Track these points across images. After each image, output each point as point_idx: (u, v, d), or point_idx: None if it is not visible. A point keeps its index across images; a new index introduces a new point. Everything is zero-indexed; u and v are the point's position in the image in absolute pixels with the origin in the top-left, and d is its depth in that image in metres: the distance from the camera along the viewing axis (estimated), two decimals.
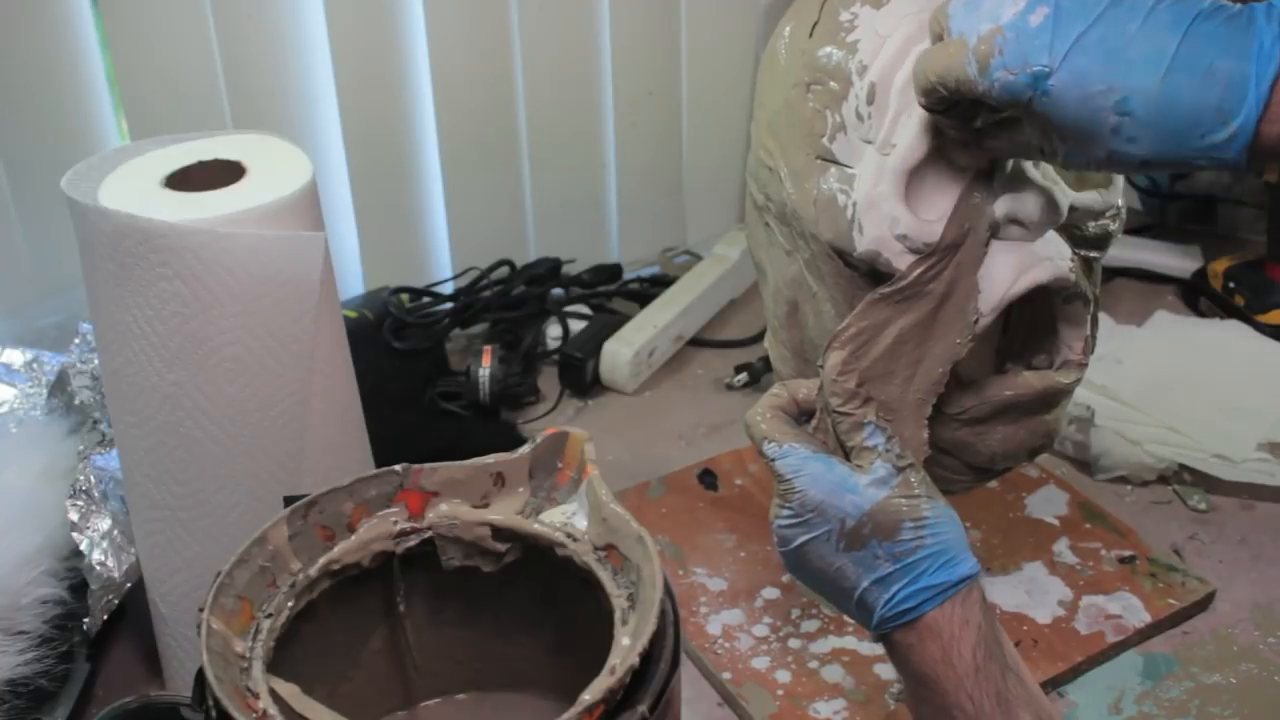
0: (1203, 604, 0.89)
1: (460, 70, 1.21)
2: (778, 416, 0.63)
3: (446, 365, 1.18)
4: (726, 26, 1.34)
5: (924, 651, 0.60)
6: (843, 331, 0.62)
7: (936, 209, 0.62)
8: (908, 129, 0.61)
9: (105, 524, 0.83)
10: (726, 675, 0.83)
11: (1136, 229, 1.36)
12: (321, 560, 0.64)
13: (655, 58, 1.32)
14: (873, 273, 0.63)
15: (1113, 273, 1.29)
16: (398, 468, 0.66)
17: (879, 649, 0.83)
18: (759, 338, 1.20)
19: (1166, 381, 1.08)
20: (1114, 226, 0.70)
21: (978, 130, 0.59)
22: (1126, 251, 1.31)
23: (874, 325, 0.62)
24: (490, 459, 0.67)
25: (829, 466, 0.61)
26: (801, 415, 0.65)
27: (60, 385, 0.93)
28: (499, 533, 0.67)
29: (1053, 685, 0.83)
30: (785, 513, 0.61)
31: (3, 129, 1.06)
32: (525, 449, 0.67)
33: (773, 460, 0.62)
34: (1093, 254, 0.70)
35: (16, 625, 0.78)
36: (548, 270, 1.26)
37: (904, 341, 0.62)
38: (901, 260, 0.62)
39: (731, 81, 1.36)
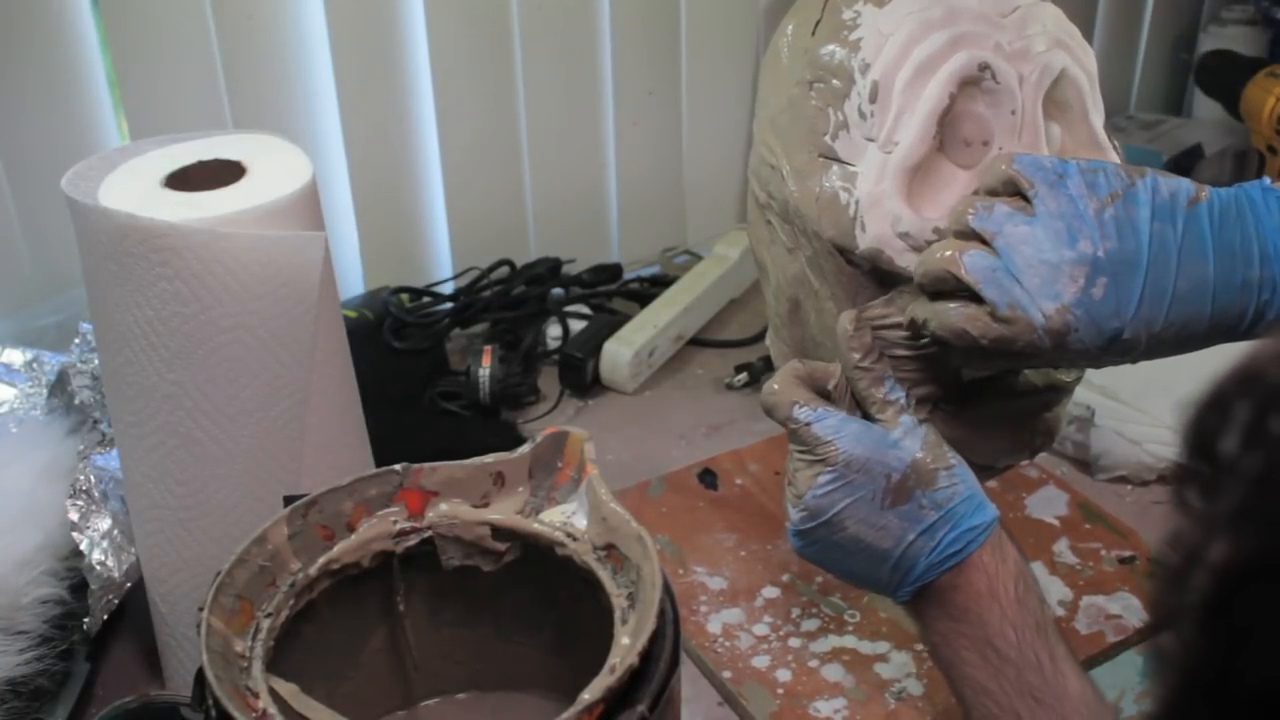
0: None
1: (460, 70, 1.21)
2: (802, 385, 0.63)
3: (446, 365, 1.18)
4: (726, 26, 1.33)
5: (969, 587, 0.62)
6: (868, 307, 0.63)
7: (939, 207, 0.62)
8: (910, 127, 0.61)
9: (105, 524, 0.83)
10: (727, 674, 0.83)
11: None
12: (321, 560, 0.64)
13: (655, 58, 1.32)
14: (875, 271, 0.63)
15: None
16: (398, 467, 0.66)
17: (880, 648, 0.84)
18: (759, 338, 1.19)
19: (1166, 381, 1.07)
20: None
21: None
22: None
23: (896, 313, 0.63)
24: (490, 459, 0.67)
25: (867, 426, 0.62)
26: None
27: (60, 385, 0.93)
28: (499, 532, 0.67)
29: None
30: (825, 478, 0.61)
31: (3, 129, 1.05)
32: (525, 449, 0.67)
33: (808, 424, 0.61)
34: None
35: (16, 625, 0.77)
36: (548, 270, 1.26)
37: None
38: (904, 258, 0.62)
39: (731, 81, 1.36)
